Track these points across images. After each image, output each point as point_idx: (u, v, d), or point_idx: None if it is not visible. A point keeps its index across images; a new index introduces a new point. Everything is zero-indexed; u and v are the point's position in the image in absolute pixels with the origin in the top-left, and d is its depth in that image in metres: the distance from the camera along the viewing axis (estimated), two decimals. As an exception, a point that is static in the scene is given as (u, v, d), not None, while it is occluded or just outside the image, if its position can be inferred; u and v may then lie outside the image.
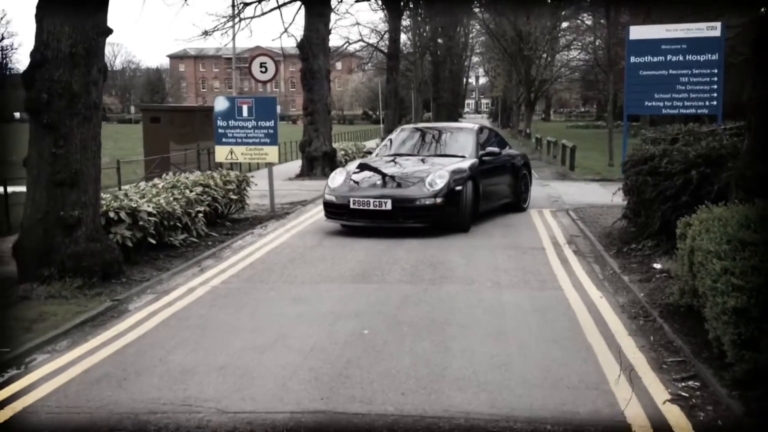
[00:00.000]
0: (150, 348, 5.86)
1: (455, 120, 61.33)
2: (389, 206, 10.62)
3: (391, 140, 13.44)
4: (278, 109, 14.25)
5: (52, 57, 7.68)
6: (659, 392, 4.79)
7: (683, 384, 4.92)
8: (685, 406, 4.56)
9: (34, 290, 7.47)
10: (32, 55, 7.76)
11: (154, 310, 7.03)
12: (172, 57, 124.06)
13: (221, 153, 13.87)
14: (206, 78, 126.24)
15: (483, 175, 11.79)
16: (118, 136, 40.91)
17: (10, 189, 11.79)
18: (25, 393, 4.94)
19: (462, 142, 12.54)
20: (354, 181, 11.28)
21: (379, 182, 11.13)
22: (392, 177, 11.19)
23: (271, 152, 13.87)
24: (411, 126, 15.45)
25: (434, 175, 10.86)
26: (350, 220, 10.99)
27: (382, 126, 46.19)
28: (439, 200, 10.65)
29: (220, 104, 13.85)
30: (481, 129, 13.36)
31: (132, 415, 4.51)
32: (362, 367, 5.30)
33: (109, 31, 8.19)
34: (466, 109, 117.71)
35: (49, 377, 5.24)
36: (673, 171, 8.72)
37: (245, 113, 13.56)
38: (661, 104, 14.66)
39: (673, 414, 4.45)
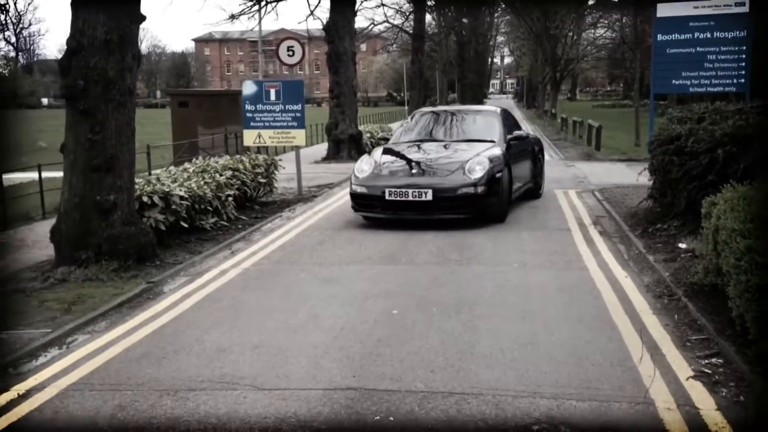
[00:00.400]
0: (186, 328, 6.05)
1: (480, 101, 61.01)
2: (430, 196, 9.83)
3: (410, 125, 12.54)
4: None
5: (87, 44, 7.85)
6: (683, 369, 4.88)
7: (706, 361, 5.00)
8: (708, 382, 4.64)
9: (71, 273, 7.69)
10: (68, 42, 7.94)
11: (188, 292, 7.23)
12: (197, 41, 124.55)
13: (249, 137, 14.04)
14: (231, 61, 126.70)
15: (513, 161, 11.14)
16: (145, 121, 40.97)
17: (43, 175, 12.02)
18: (68, 372, 5.13)
19: (487, 127, 11.79)
20: (384, 171, 10.43)
21: (413, 171, 10.27)
22: (426, 164, 10.41)
23: (299, 135, 14.00)
24: (428, 109, 14.45)
25: (473, 162, 10.14)
26: (384, 212, 10.17)
27: (407, 107, 46.16)
28: (480, 189, 9.91)
29: (248, 88, 14.02)
30: (503, 111, 12.67)
31: (172, 391, 4.70)
32: (392, 345, 5.44)
33: (143, 18, 8.34)
34: (491, 90, 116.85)
35: (90, 356, 5.44)
36: (700, 150, 8.69)
37: (273, 97, 13.70)
38: (689, 83, 14.53)
39: (697, 390, 4.54)
